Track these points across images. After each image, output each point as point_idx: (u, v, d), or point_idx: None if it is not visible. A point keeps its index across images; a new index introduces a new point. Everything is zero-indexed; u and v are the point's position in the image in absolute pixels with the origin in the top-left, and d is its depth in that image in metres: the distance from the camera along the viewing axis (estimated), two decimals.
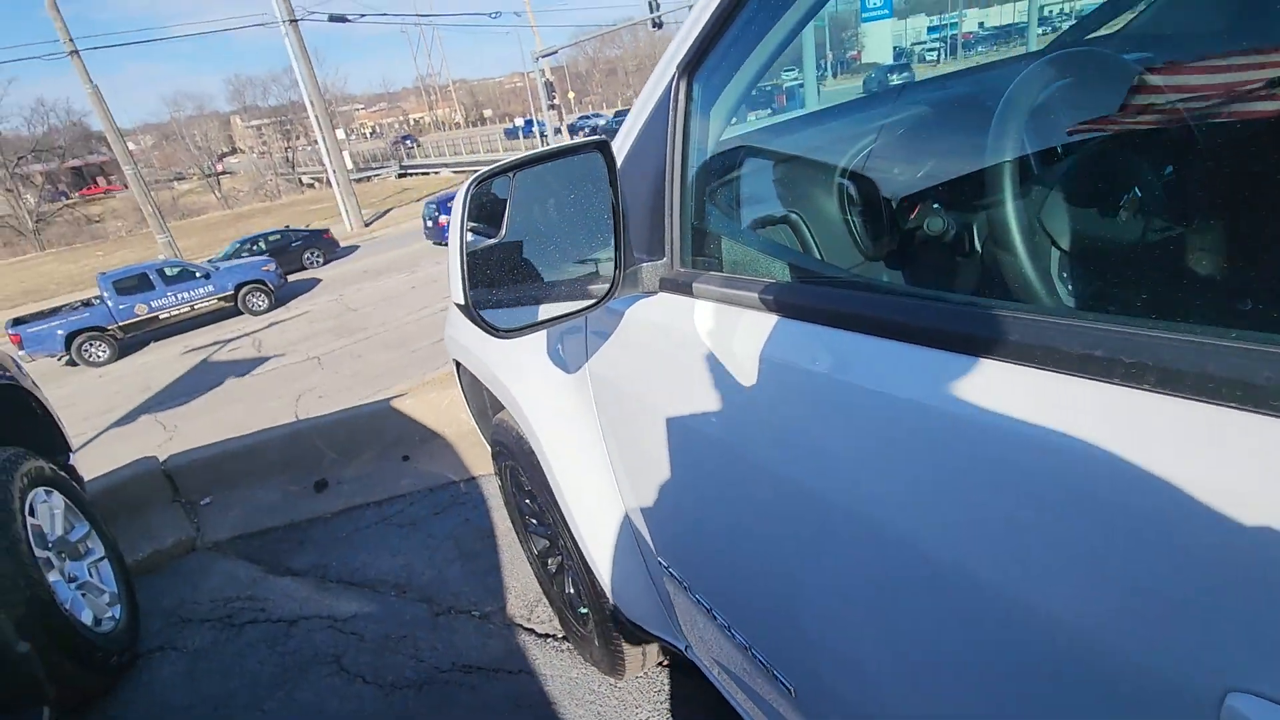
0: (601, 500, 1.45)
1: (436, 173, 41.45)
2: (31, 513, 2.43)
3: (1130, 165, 0.92)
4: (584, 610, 2.08)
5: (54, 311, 13.47)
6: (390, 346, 10.37)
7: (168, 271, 14.22)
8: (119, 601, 2.71)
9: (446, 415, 3.97)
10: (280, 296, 15.33)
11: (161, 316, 13.92)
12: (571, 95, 70.48)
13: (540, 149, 0.85)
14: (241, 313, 14.78)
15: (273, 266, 15.43)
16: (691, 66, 0.95)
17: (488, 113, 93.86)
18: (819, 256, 1.08)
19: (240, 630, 2.74)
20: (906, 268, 1.09)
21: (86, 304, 13.43)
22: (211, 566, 3.28)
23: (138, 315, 13.55)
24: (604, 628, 1.88)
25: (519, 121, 48.44)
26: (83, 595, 2.51)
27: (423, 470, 3.74)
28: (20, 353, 12.50)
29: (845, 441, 0.76)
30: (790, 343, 0.81)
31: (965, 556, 0.65)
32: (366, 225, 25.10)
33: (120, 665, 2.48)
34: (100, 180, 57.76)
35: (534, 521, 2.26)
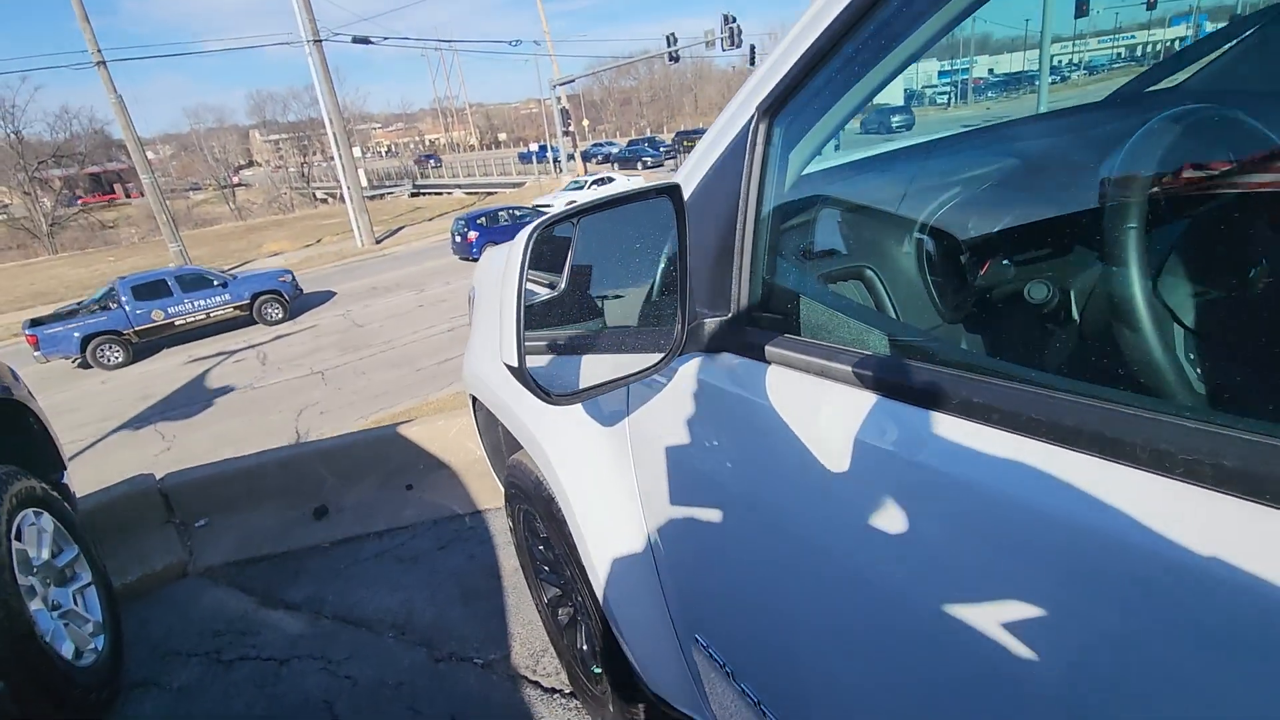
0: (631, 563, 1.33)
1: (449, 193, 41.84)
2: (18, 535, 2.32)
3: (1260, 234, 0.83)
4: (597, 670, 1.95)
5: (71, 314, 13.58)
6: (395, 365, 10.30)
7: (186, 279, 14.38)
8: (103, 631, 2.58)
9: (453, 443, 3.85)
10: (294, 308, 15.34)
11: (177, 323, 14.00)
12: (586, 123, 71.53)
13: (609, 194, 0.76)
14: (256, 322, 14.83)
15: (289, 277, 15.51)
16: (773, 109, 0.86)
17: (503, 136, 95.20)
18: (895, 315, 0.99)
19: (229, 667, 2.60)
20: (989, 334, 0.99)
21: (104, 307, 13.50)
22: (202, 594, 3.14)
23: (154, 321, 13.65)
24: (621, 693, 1.74)
25: (533, 146, 49.01)
26: (65, 625, 2.38)
27: (427, 501, 3.61)
28: (36, 353, 12.76)
29: (956, 546, 0.65)
30: (888, 426, 0.71)
31: (1108, 698, 0.55)
32: (378, 242, 25.22)
33: (99, 701, 2.33)
34: (117, 187, 58.44)
35: (546, 569, 2.13)
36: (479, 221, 17.97)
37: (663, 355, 0.86)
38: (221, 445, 7.86)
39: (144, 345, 13.75)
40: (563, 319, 0.82)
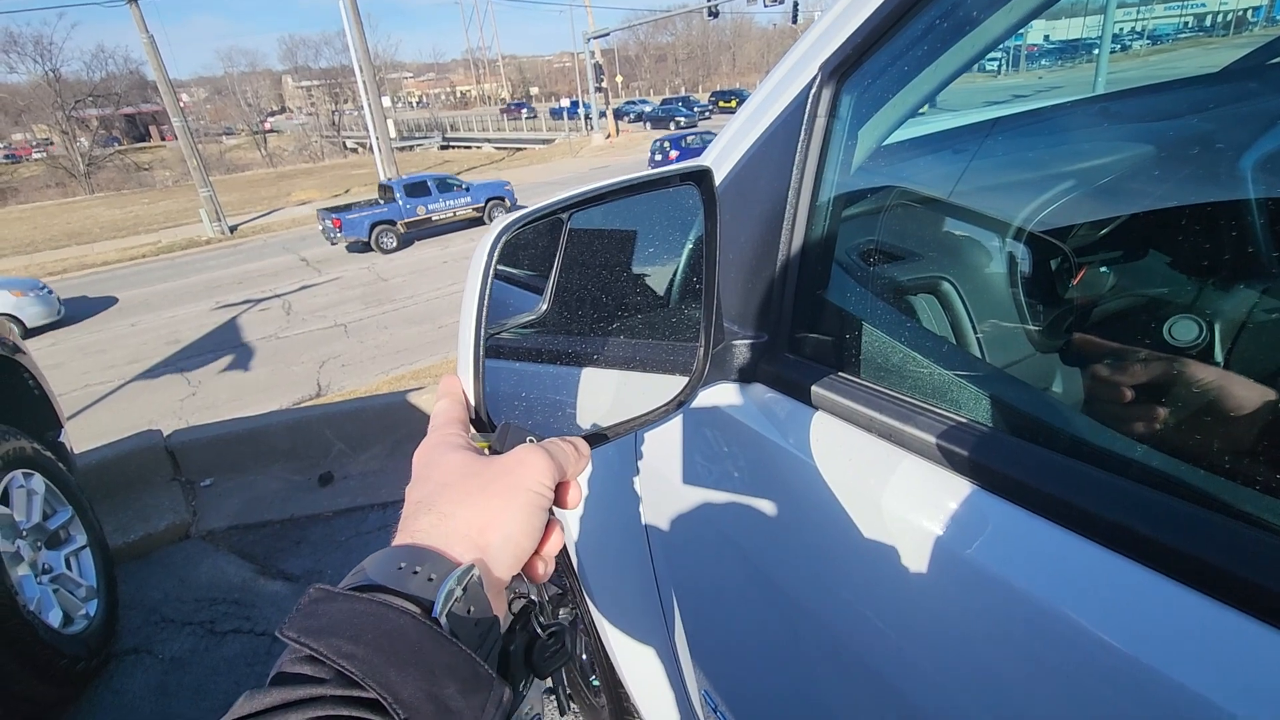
0: (636, 603, 1.16)
1: (479, 147, 41.29)
2: (5, 498, 2.23)
3: None
4: (596, 683, 1.81)
5: (349, 206, 16.51)
6: (417, 321, 10.22)
7: (441, 182, 17.21)
8: (96, 596, 2.51)
9: None
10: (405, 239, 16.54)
11: (434, 218, 16.66)
12: (620, 79, 69.79)
13: (612, 182, 0.56)
14: (485, 223, 16.65)
15: (510, 187, 18.13)
16: (844, 70, 0.64)
17: (534, 90, 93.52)
18: (975, 343, 0.78)
19: (222, 640, 2.52)
20: (1095, 372, 0.77)
21: (375, 203, 16.22)
22: (202, 559, 3.08)
23: (417, 215, 16.33)
24: (619, 712, 1.60)
25: (564, 102, 47.87)
26: (55, 590, 2.31)
27: None
28: (339, 234, 15.47)
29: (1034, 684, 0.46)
30: (978, 526, 0.51)
31: None
32: None
33: (88, 670, 2.27)
34: (152, 129, 58.67)
35: None
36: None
37: (679, 391, 0.66)
38: (245, 393, 7.88)
39: (407, 236, 16.15)
40: (547, 339, 0.63)
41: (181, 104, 22.79)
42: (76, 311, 13.27)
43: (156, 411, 7.45)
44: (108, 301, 13.95)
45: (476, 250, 0.55)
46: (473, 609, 0.37)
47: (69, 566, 2.47)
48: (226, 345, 10.11)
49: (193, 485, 3.61)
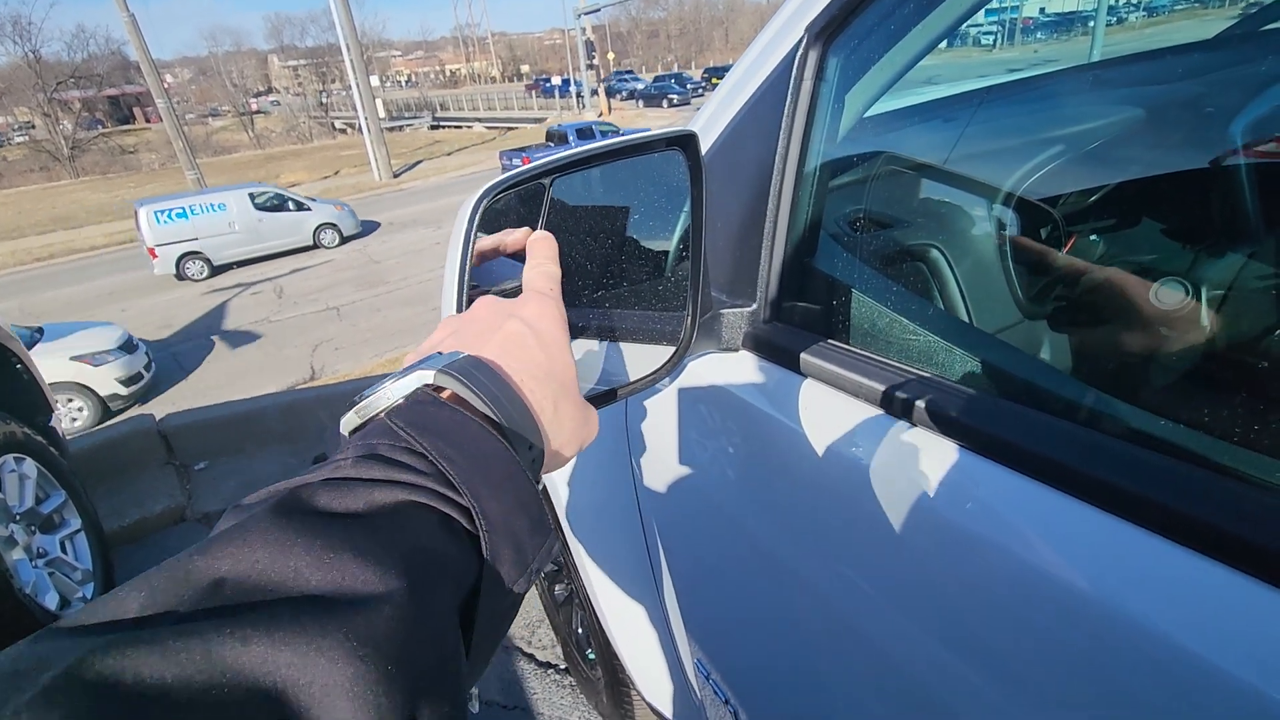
0: (629, 572, 1.17)
1: (470, 126, 40.80)
2: None
3: None
4: (592, 656, 1.83)
5: (526, 148, 18.56)
6: (410, 302, 10.16)
7: (599, 129, 19.29)
8: (93, 579, 2.51)
9: None
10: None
11: None
12: (611, 56, 68.83)
13: (594, 145, 0.55)
14: None
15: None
16: (830, 31, 0.63)
17: (525, 68, 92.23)
18: (964, 310, 0.77)
19: None
20: (1083, 338, 0.77)
21: (548, 146, 18.08)
22: (198, 541, 3.08)
23: None
24: (615, 690, 1.62)
25: (555, 80, 47.17)
26: (50, 574, 2.31)
27: None
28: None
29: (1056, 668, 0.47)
30: (976, 493, 0.51)
31: None
32: (395, 176, 24.69)
33: None
34: (137, 111, 57.68)
35: None
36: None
37: (666, 359, 0.66)
38: (239, 377, 7.85)
39: None
40: None
41: (166, 85, 22.40)
42: None
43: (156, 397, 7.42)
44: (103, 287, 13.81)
45: (457, 218, 0.54)
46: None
47: (64, 550, 2.48)
48: (218, 329, 10.05)
49: (187, 469, 3.61)
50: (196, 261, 12.97)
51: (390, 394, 0.37)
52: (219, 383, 7.69)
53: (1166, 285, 0.64)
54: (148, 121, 53.24)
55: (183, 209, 12.95)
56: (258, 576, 0.26)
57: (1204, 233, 0.73)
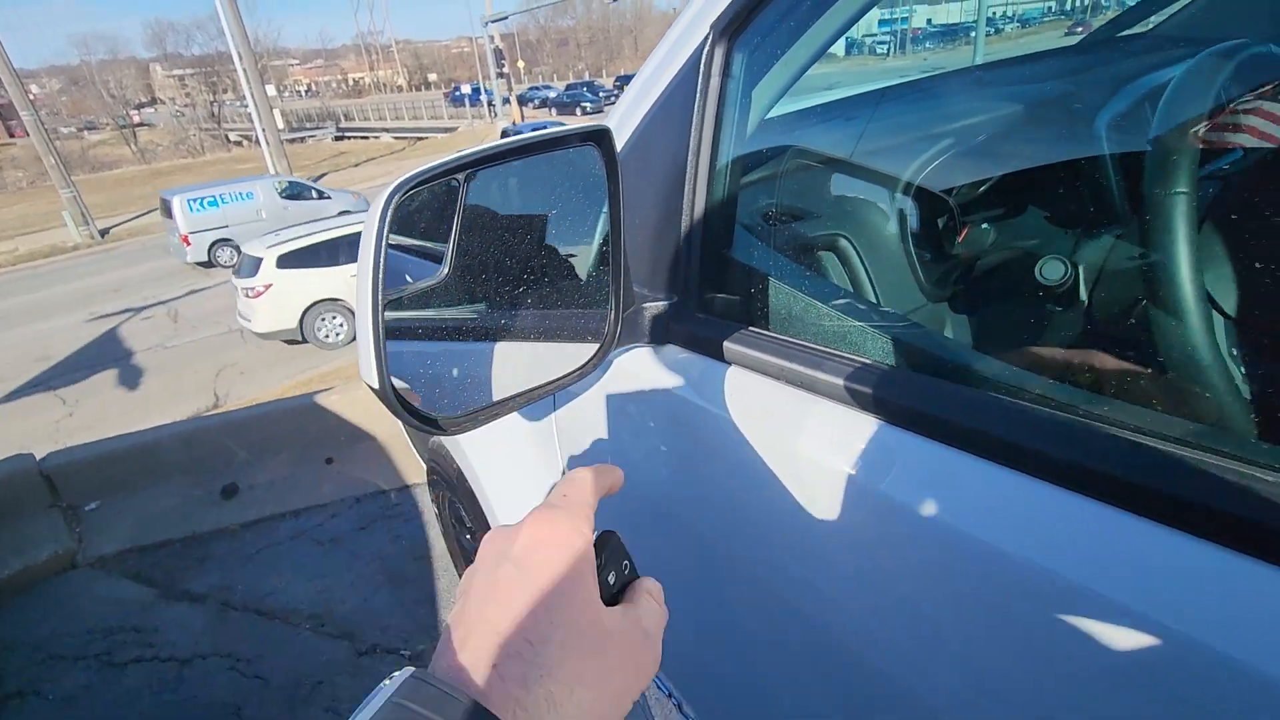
0: None
1: (377, 136, 39.43)
2: None
3: None
4: None
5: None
6: None
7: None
8: None
9: (377, 412, 3.57)
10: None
11: None
12: (521, 64, 68.29)
13: (505, 140, 0.55)
14: None
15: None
16: (734, 28, 0.65)
17: (433, 77, 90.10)
18: (874, 297, 0.82)
19: (122, 671, 2.33)
20: (981, 316, 0.83)
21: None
22: (94, 587, 2.83)
23: None
24: None
25: (465, 89, 46.23)
26: None
27: (348, 476, 3.35)
28: None
29: (964, 622, 0.50)
30: (887, 459, 0.54)
31: None
32: None
33: None
34: None
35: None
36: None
37: (592, 355, 0.66)
38: (133, 408, 7.27)
39: None
40: (455, 319, 0.61)
41: (31, 96, 20.52)
42: None
43: (29, 436, 6.74)
44: None
45: (367, 218, 0.52)
46: None
47: None
48: (107, 359, 9.27)
49: (75, 510, 3.30)
50: (227, 248, 13.18)
51: None
52: (109, 415, 7.10)
53: (1049, 263, 0.70)
54: (11, 135, 48.57)
55: (214, 197, 13.38)
56: None
57: (1080, 217, 0.80)
